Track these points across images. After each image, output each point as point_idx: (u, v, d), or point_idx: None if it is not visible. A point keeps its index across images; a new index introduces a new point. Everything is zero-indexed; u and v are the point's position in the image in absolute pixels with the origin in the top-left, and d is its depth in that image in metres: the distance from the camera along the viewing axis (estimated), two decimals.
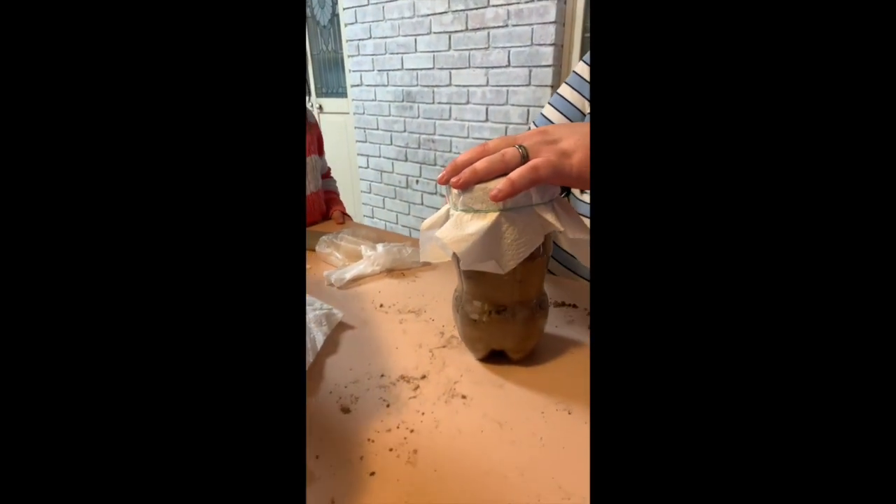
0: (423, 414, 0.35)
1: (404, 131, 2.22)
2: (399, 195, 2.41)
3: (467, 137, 1.98)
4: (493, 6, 1.70)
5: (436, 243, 0.38)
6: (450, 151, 2.08)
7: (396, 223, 2.47)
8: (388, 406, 0.36)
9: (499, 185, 0.33)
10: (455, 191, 0.36)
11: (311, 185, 0.92)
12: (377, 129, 2.36)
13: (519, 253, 0.35)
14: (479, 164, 0.35)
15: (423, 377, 0.40)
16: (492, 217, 0.34)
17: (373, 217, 2.56)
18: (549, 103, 0.66)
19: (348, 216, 0.95)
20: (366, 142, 2.44)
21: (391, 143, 2.32)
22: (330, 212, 0.94)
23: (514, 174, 0.33)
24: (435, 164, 2.16)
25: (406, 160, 2.28)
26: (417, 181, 2.28)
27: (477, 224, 0.35)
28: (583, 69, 0.62)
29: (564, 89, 0.65)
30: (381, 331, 0.48)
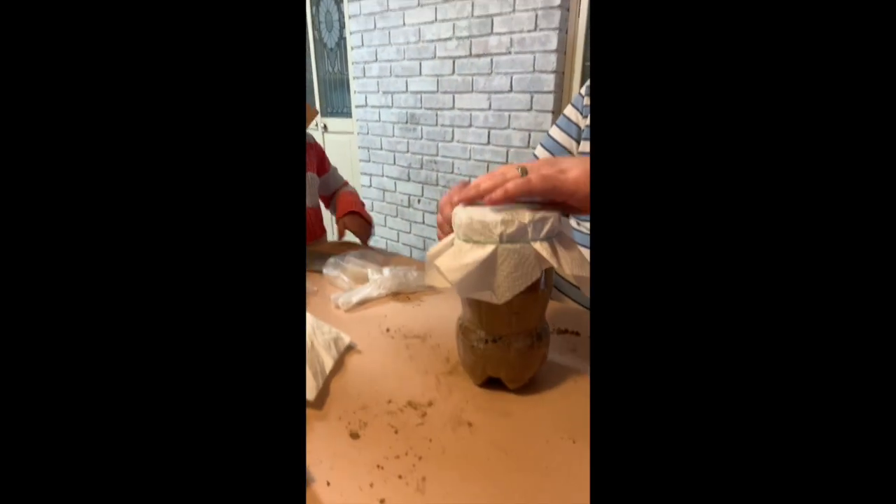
0: (430, 441, 0.36)
1: (407, 152, 2.26)
2: (401, 214, 2.43)
3: (469, 159, 2.01)
4: (497, 34, 1.75)
5: (437, 270, 0.40)
6: (451, 172, 2.11)
7: (398, 241, 2.49)
8: (396, 432, 0.37)
9: (496, 192, 0.36)
10: (457, 220, 0.38)
11: (308, 200, 0.94)
12: (381, 149, 2.40)
13: (514, 286, 0.36)
14: (481, 180, 0.39)
15: (430, 404, 0.41)
16: (489, 248, 0.36)
17: (374, 235, 2.58)
18: (541, 144, 0.69)
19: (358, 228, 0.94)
20: (369, 161, 2.48)
21: (394, 163, 2.36)
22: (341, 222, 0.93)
23: (509, 184, 0.36)
24: (437, 185, 2.19)
25: (408, 180, 2.31)
26: (419, 200, 2.30)
27: (475, 254, 0.36)
28: (570, 111, 0.66)
29: (555, 131, 0.68)
30: (387, 356, 0.49)
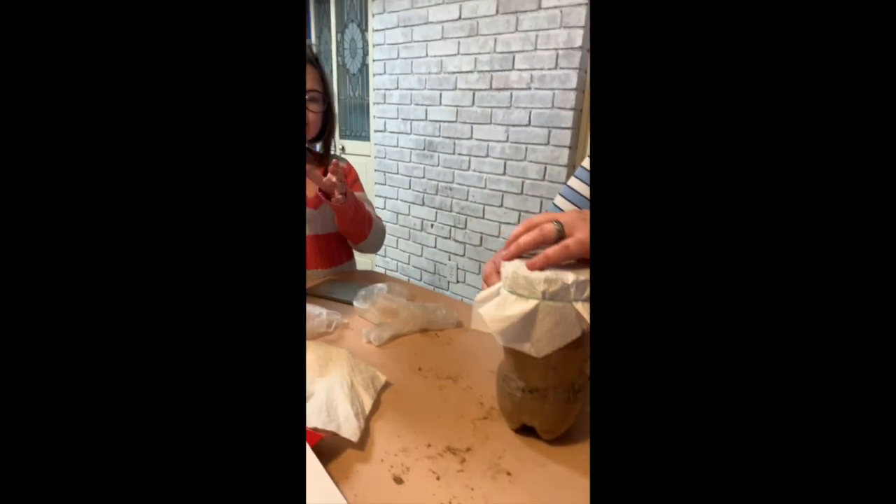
0: (472, 489, 0.37)
1: (423, 177, 2.30)
2: (413, 237, 2.46)
3: (484, 188, 2.05)
4: (518, 70, 1.80)
5: (481, 317, 0.42)
6: (466, 199, 2.14)
7: (408, 263, 2.51)
8: (438, 479, 0.38)
9: (537, 259, 0.39)
10: (504, 272, 0.40)
11: (326, 226, 0.92)
12: (397, 173, 2.44)
13: (553, 342, 0.38)
14: (522, 239, 0.41)
15: (468, 450, 0.42)
16: (532, 303, 0.38)
17: (385, 256, 2.60)
18: (560, 194, 0.72)
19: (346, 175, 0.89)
20: (385, 184, 2.52)
21: (409, 188, 2.39)
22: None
23: (549, 250, 0.39)
24: (451, 211, 2.22)
25: (423, 204, 2.35)
26: (432, 225, 2.33)
27: (517, 307, 0.38)
28: (589, 163, 0.69)
29: (574, 182, 0.70)
30: (421, 396, 0.50)
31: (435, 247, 2.37)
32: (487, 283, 0.46)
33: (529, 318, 0.38)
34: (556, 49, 1.68)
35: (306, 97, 0.83)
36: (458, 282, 2.27)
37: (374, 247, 0.95)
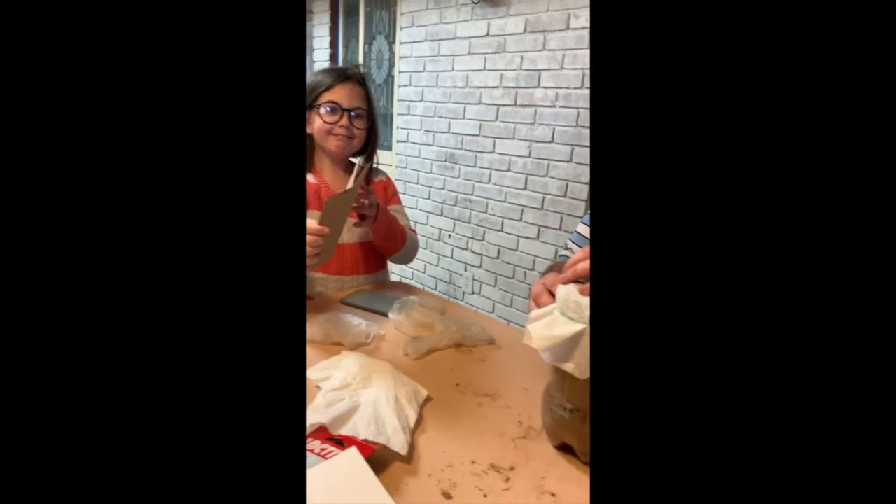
0: None
1: (443, 188, 2.32)
2: (430, 246, 2.48)
3: (504, 201, 2.07)
4: (543, 87, 1.83)
5: (530, 334, 0.44)
6: (485, 212, 2.16)
7: (424, 272, 2.53)
8: (485, 496, 0.40)
9: (587, 286, 0.41)
10: (558, 294, 0.43)
11: (364, 236, 0.94)
12: (417, 183, 2.47)
13: None
14: (580, 265, 0.44)
15: (512, 468, 0.43)
16: (579, 327, 0.40)
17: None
18: (583, 222, 0.73)
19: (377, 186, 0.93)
20: (404, 193, 2.55)
21: (429, 198, 2.42)
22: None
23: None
24: (469, 222, 2.24)
25: (441, 215, 2.37)
26: (450, 235, 2.35)
27: (565, 329, 0.40)
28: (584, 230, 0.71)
29: (582, 228, 0.72)
30: (461, 413, 0.52)
31: (451, 257, 2.38)
32: (536, 302, 0.48)
33: (575, 340, 0.40)
34: (582, 69, 1.70)
35: (352, 114, 0.87)
36: (472, 293, 2.28)
37: (407, 259, 0.99)
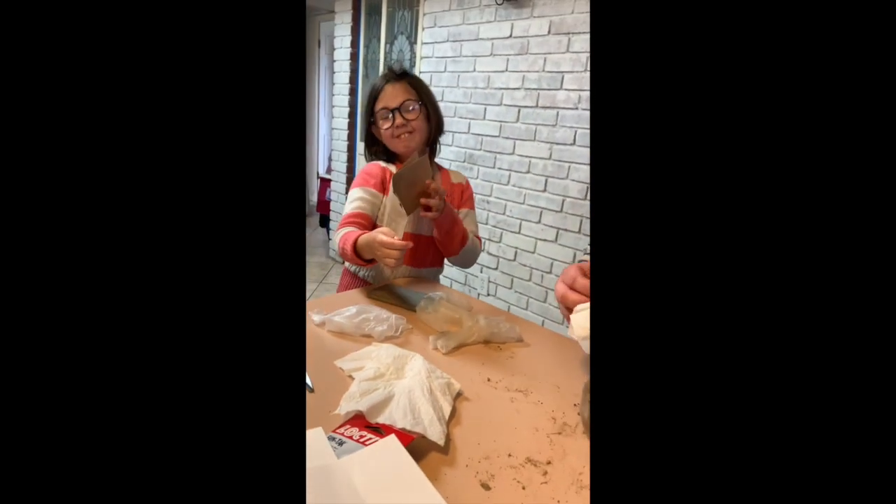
0: (558, 502, 0.38)
1: None
2: None
3: (523, 203, 2.06)
4: (566, 90, 1.82)
5: (572, 325, 0.44)
6: (503, 213, 2.16)
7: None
8: (523, 488, 0.39)
9: None
10: None
11: (423, 229, 0.96)
12: None
13: None
14: None
15: (549, 463, 0.43)
16: None
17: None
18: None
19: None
20: None
21: None
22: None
23: None
24: (486, 224, 2.23)
25: None
26: None
27: None
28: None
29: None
30: (494, 407, 0.52)
31: None
32: (563, 302, 0.48)
33: None
34: None
35: (400, 110, 0.91)
36: (488, 294, 2.28)
37: (466, 263, 1.01)
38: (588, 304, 0.44)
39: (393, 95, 0.92)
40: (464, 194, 1.04)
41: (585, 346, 0.42)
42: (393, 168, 0.97)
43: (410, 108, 0.93)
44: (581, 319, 0.43)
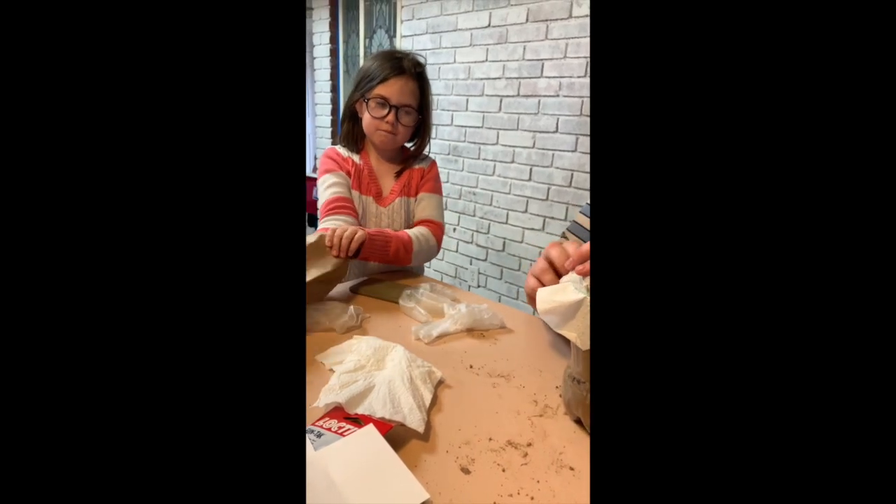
0: (538, 482, 0.38)
1: (447, 182, 2.32)
2: None
3: (509, 193, 2.06)
4: (547, 77, 1.82)
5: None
6: (489, 204, 2.16)
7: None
8: (503, 471, 0.39)
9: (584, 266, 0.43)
10: (563, 279, 0.44)
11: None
12: None
13: None
14: (584, 247, 0.45)
15: (529, 444, 0.43)
16: (580, 296, 0.41)
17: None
18: (581, 213, 0.73)
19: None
20: None
21: None
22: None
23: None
24: (474, 215, 2.23)
25: (446, 208, 2.37)
26: (455, 229, 2.35)
27: (568, 296, 0.42)
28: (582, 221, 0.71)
29: (581, 218, 0.71)
30: (476, 393, 0.52)
31: (456, 251, 2.38)
32: (531, 297, 0.49)
33: (574, 308, 0.41)
34: (586, 57, 1.69)
35: (399, 111, 0.88)
36: (478, 286, 2.28)
37: (421, 262, 0.96)
38: (563, 281, 0.44)
39: (400, 91, 0.86)
40: (424, 176, 0.97)
41: (549, 320, 0.43)
42: (356, 157, 0.94)
43: (408, 113, 0.89)
44: (545, 293, 0.43)
